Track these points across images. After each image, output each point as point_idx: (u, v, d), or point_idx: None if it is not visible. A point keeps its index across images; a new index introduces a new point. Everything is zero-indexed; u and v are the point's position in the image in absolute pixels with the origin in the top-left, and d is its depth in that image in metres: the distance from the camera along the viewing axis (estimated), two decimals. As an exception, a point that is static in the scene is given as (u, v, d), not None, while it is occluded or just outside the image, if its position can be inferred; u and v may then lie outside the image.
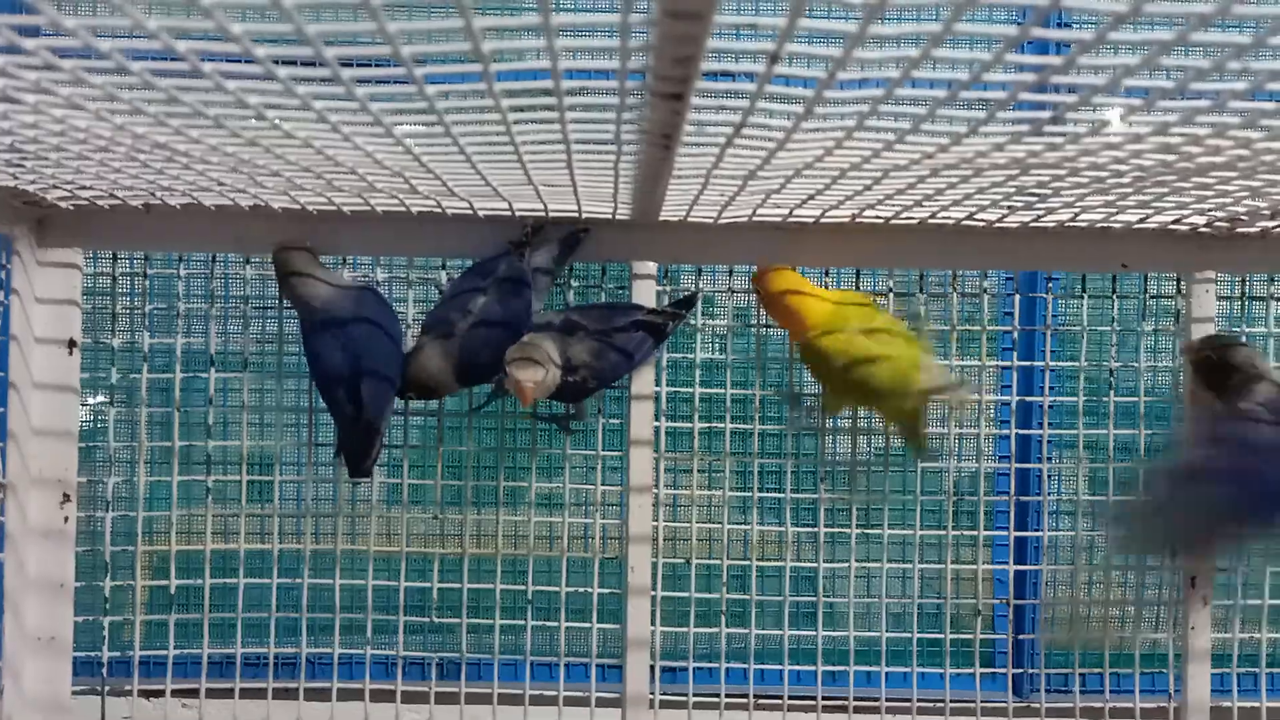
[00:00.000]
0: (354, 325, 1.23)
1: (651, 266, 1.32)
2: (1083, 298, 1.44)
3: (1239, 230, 1.25)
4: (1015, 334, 1.48)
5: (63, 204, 1.23)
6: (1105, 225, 1.25)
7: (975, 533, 1.48)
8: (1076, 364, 1.47)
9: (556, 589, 1.45)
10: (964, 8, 0.52)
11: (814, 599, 1.49)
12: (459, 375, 1.26)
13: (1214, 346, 1.30)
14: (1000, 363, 1.57)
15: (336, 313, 1.23)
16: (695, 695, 1.48)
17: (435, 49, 0.61)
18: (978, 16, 0.52)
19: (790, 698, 1.47)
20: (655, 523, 1.37)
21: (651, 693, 1.37)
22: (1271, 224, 1.21)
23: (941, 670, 1.46)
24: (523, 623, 1.45)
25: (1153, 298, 1.47)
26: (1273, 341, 1.47)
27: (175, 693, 1.44)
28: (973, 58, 0.62)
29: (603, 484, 1.44)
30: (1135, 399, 1.45)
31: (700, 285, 1.40)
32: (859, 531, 1.46)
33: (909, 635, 1.47)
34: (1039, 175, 0.94)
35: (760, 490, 1.47)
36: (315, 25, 0.57)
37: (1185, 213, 1.17)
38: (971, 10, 0.51)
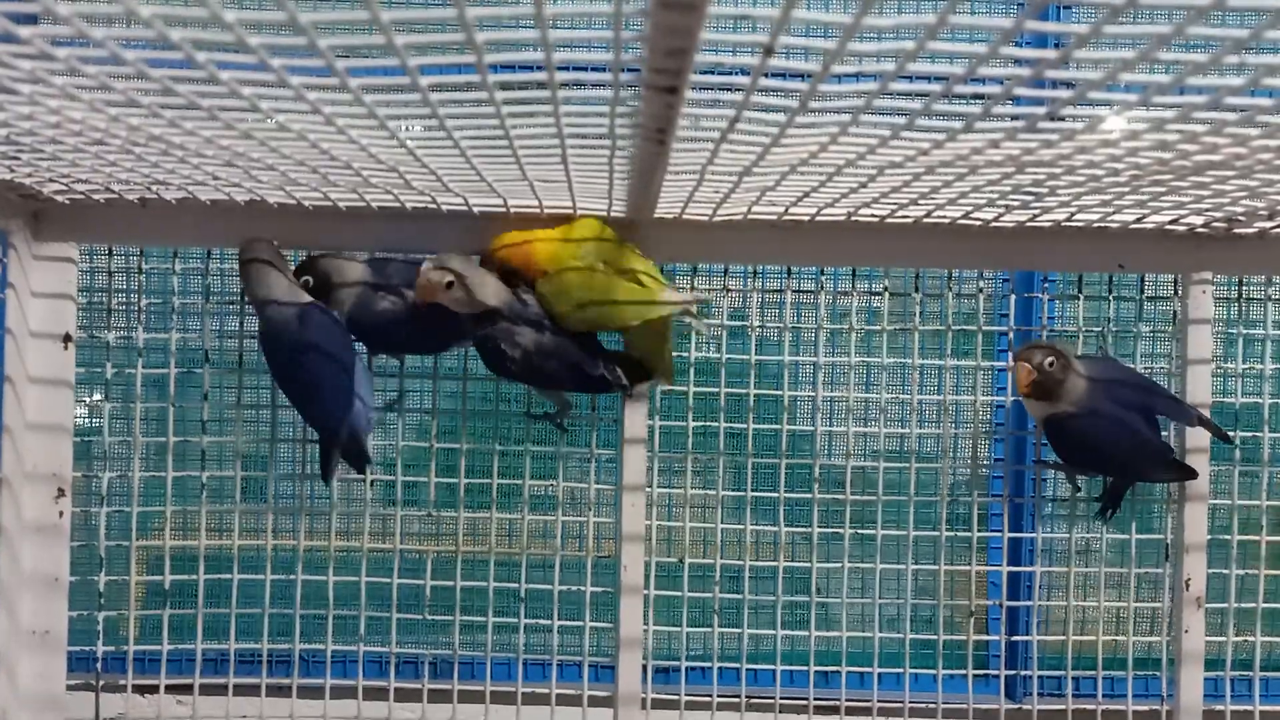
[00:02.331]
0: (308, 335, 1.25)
1: (647, 264, 1.31)
2: (1079, 298, 1.44)
3: (1236, 231, 1.25)
4: (1011, 334, 1.48)
5: (59, 198, 1.23)
6: (1102, 225, 1.25)
7: (969, 534, 1.48)
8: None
9: (549, 588, 1.45)
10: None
11: (807, 600, 1.49)
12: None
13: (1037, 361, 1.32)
14: (996, 363, 1.57)
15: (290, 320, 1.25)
16: (687, 695, 1.48)
17: (428, 39, 0.60)
18: (975, 8, 0.52)
19: (782, 699, 1.46)
20: (649, 522, 1.37)
21: (644, 693, 1.37)
22: (1269, 224, 1.21)
23: (934, 673, 1.46)
24: (515, 621, 1.45)
25: (1149, 299, 1.47)
26: (1270, 344, 1.47)
27: (169, 688, 1.44)
28: (970, 51, 0.62)
29: (596, 483, 1.43)
30: (1131, 401, 1.45)
31: (694, 284, 1.40)
32: (852, 532, 1.46)
33: (902, 637, 1.47)
34: (1035, 174, 0.94)
35: (754, 490, 1.47)
36: (309, 15, 0.57)
37: (1183, 213, 1.17)
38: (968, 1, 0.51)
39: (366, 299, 1.27)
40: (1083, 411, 1.30)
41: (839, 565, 1.47)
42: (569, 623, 1.46)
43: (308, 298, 1.25)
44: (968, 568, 1.50)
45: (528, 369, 1.26)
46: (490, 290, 1.23)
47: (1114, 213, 1.17)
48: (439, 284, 1.20)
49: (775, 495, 1.45)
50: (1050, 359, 1.29)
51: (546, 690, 1.45)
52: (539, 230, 1.24)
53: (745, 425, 1.45)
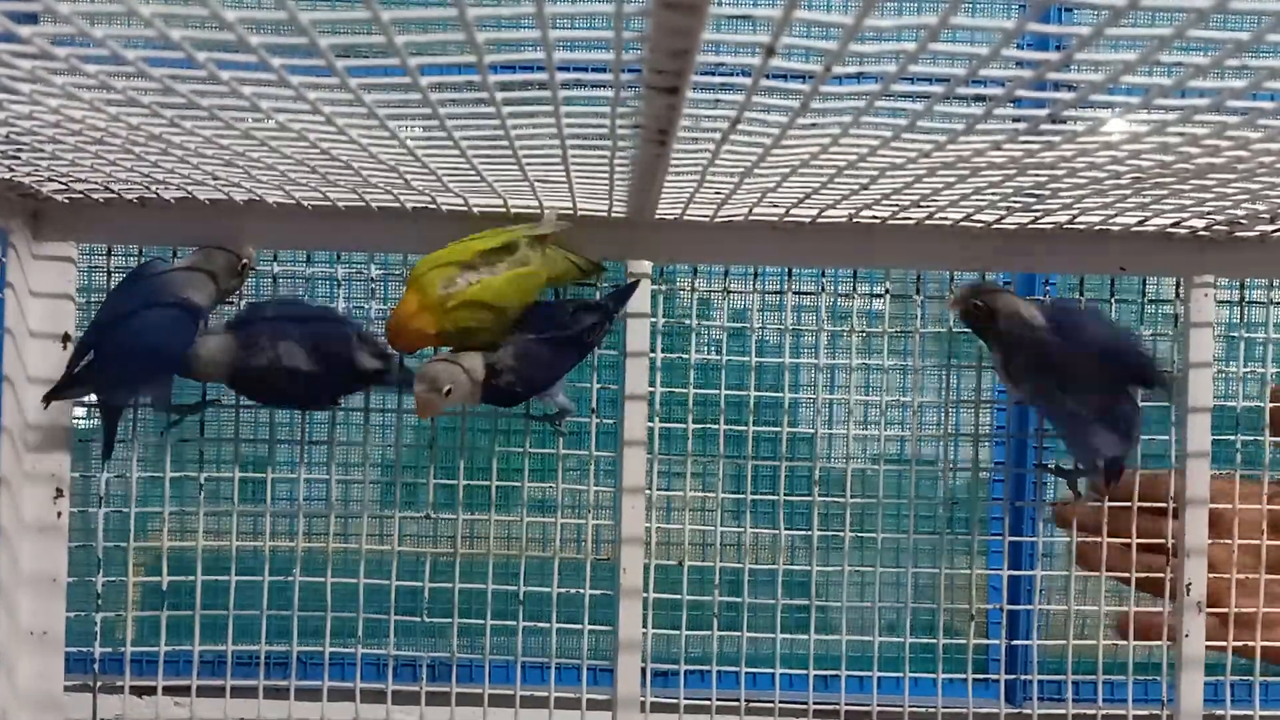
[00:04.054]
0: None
1: (647, 266, 1.32)
2: (1080, 301, 1.44)
3: (1238, 234, 1.25)
4: (1012, 338, 1.47)
5: (58, 197, 1.23)
6: (1103, 228, 1.25)
7: (969, 538, 1.47)
8: (1073, 369, 1.46)
9: (548, 590, 1.45)
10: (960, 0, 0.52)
11: (806, 604, 1.49)
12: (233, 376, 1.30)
13: (979, 294, 1.32)
14: (996, 367, 1.56)
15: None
16: (686, 699, 1.47)
17: (429, 38, 0.60)
18: (978, 7, 0.51)
19: (782, 703, 1.46)
20: (648, 525, 1.37)
21: (643, 696, 1.37)
22: (1270, 228, 1.21)
23: (934, 677, 1.46)
24: (514, 624, 1.44)
25: (1151, 301, 1.47)
26: (1272, 347, 1.47)
27: (167, 690, 1.43)
28: (971, 53, 0.62)
29: (595, 485, 1.43)
30: (1131, 404, 1.45)
31: (695, 285, 1.40)
32: (853, 536, 1.46)
33: (902, 641, 1.47)
34: (1036, 176, 0.94)
35: (754, 493, 1.46)
36: (309, 14, 0.56)
37: (1184, 216, 1.17)
38: (970, 1, 0.50)
39: (239, 366, 1.29)
40: (1035, 328, 1.30)
41: (839, 568, 1.47)
42: (568, 626, 1.45)
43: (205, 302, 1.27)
44: (968, 571, 1.50)
45: (530, 381, 1.28)
46: (478, 367, 1.24)
47: (1115, 215, 1.17)
48: (440, 400, 1.21)
49: (775, 498, 1.45)
50: (978, 301, 1.30)
51: (545, 693, 1.44)
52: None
53: (745, 428, 1.45)
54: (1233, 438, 1.45)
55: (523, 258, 1.24)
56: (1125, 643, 1.46)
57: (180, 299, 1.24)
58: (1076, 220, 1.21)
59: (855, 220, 1.24)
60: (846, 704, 1.46)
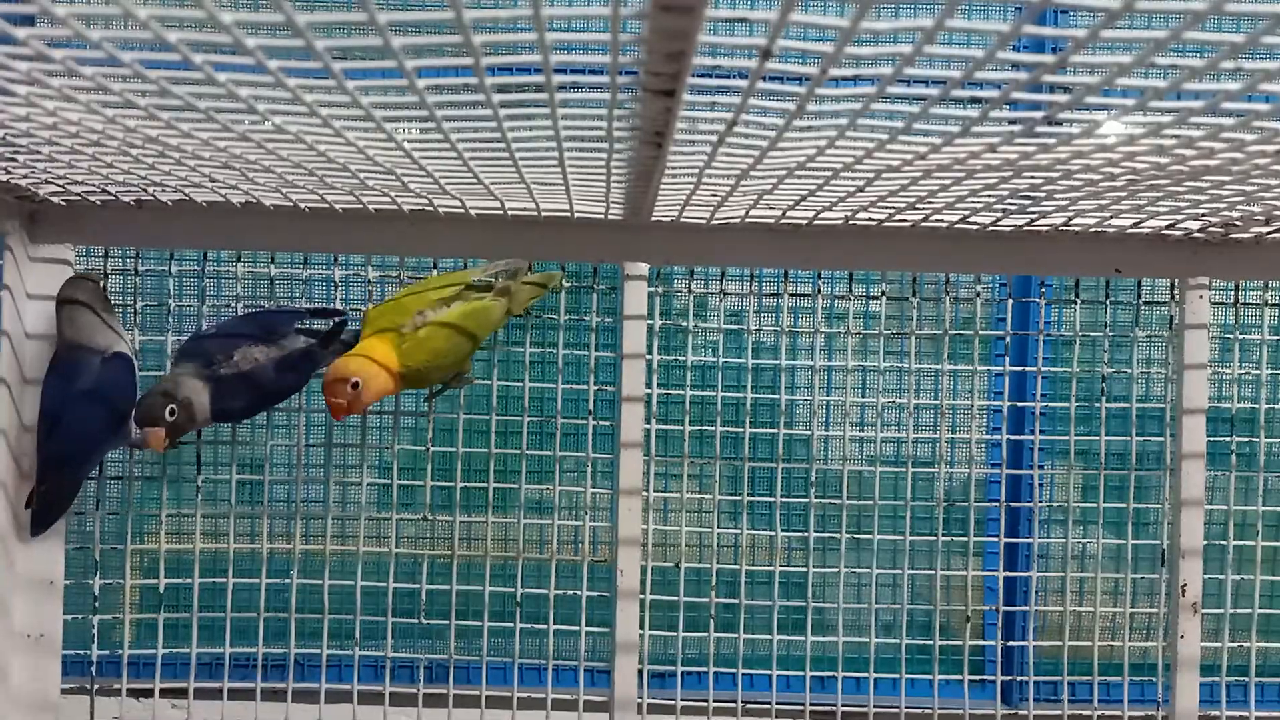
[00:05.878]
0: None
1: (643, 268, 1.32)
2: (1076, 303, 1.44)
3: (1233, 236, 1.25)
4: (1008, 339, 1.48)
5: (55, 199, 1.23)
6: (1099, 230, 1.25)
7: (966, 539, 1.48)
8: (1069, 370, 1.47)
9: (545, 592, 1.45)
10: (956, 2, 0.52)
11: (803, 605, 1.49)
12: (215, 412, 1.31)
13: None
14: (993, 368, 1.57)
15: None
16: (683, 701, 1.47)
17: (426, 41, 0.60)
18: (973, 9, 0.51)
19: (778, 704, 1.46)
20: (645, 527, 1.37)
21: (640, 697, 1.37)
22: (1265, 230, 1.21)
23: (930, 678, 1.46)
24: (511, 626, 1.44)
25: (1146, 303, 1.47)
26: (1266, 349, 1.47)
27: (164, 692, 1.43)
28: (967, 55, 0.62)
29: (593, 487, 1.43)
30: (1128, 405, 1.46)
31: (692, 287, 1.40)
32: (849, 537, 1.46)
33: (898, 642, 1.47)
34: (1032, 178, 0.94)
35: (751, 495, 1.46)
36: (306, 16, 0.56)
37: (1179, 218, 1.17)
38: (966, 3, 0.51)
39: (220, 388, 1.30)
40: None
41: (835, 570, 1.47)
42: (565, 627, 1.45)
43: (122, 346, 1.29)
44: (964, 572, 1.50)
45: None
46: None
47: (1111, 217, 1.17)
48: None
49: (772, 499, 1.45)
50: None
51: (542, 695, 1.44)
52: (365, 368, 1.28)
53: (742, 429, 1.45)
54: (1227, 439, 1.46)
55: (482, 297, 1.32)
56: (1120, 644, 1.47)
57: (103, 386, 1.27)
58: (1072, 222, 1.21)
59: (851, 222, 1.24)
60: (843, 705, 1.47)
